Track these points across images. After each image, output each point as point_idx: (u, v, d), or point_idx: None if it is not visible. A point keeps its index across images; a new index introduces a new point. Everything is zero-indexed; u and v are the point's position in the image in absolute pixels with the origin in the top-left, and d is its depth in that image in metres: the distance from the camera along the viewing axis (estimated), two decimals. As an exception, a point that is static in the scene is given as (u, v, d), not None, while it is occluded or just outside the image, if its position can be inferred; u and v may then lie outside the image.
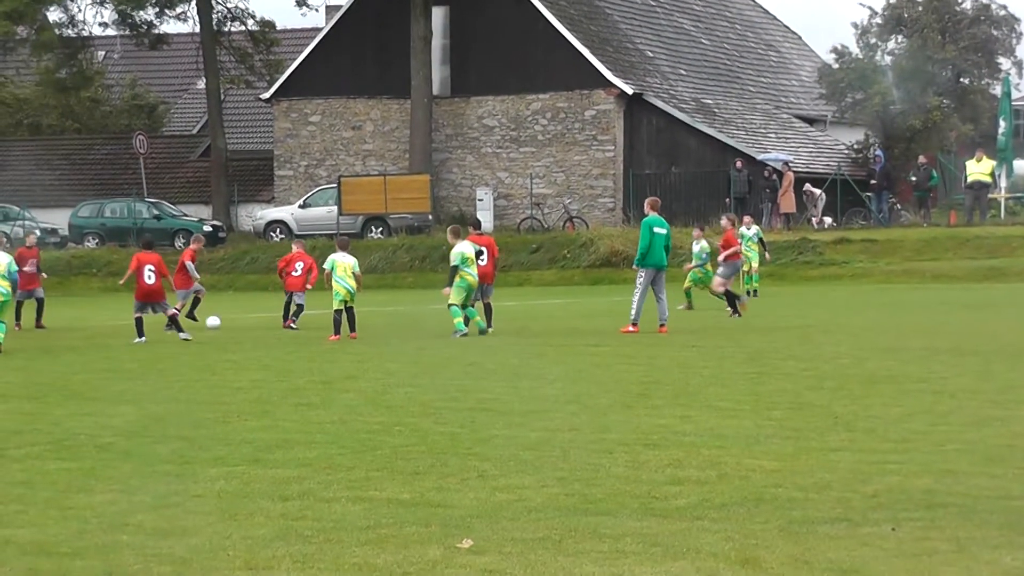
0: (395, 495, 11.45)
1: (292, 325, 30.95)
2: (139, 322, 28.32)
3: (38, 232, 35.54)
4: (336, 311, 28.18)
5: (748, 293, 37.46)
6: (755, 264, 39.30)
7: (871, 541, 9.64)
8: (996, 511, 10.44)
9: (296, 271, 31.65)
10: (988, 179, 53.20)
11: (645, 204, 29.29)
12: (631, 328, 27.49)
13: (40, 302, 33.95)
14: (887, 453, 12.89)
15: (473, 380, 19.79)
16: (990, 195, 54.46)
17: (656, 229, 27.93)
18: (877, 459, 12.58)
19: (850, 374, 19.49)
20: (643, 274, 27.90)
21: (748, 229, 39.27)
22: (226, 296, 49.60)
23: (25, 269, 31.76)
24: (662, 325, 27.56)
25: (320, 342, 27.36)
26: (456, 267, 27.52)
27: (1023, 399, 16.43)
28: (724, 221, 34.68)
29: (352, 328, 28.34)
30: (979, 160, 52.33)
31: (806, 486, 11.46)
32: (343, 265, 28.44)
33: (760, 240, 39.87)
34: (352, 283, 28.31)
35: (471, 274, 27.57)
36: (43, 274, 34.56)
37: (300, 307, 31.48)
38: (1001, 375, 19.02)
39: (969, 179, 53.54)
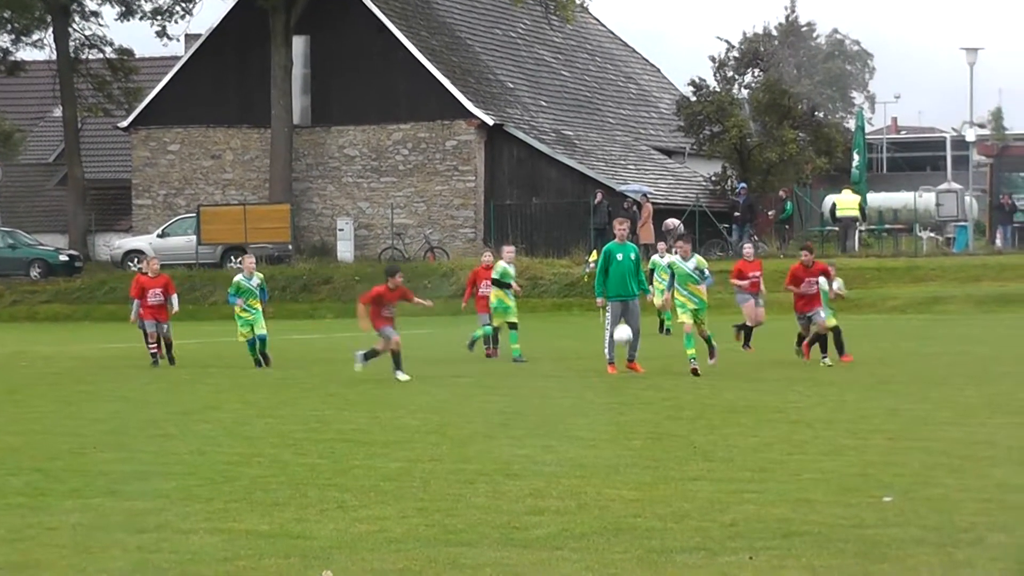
0: (254, 526, 11.37)
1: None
2: None
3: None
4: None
5: (660, 330, 35.02)
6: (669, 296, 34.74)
7: (729, 570, 9.73)
8: (851, 539, 10.58)
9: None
10: (856, 213, 54.71)
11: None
12: (609, 369, 24.70)
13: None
14: (744, 483, 13.01)
15: (334, 410, 19.71)
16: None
17: (616, 255, 24.88)
18: (735, 488, 12.70)
19: (709, 404, 19.66)
20: (609, 307, 24.85)
21: (662, 258, 32.73)
22: (83, 326, 48.95)
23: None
24: (630, 360, 24.70)
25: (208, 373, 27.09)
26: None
27: (877, 429, 16.68)
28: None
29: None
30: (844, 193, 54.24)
31: (665, 515, 11.54)
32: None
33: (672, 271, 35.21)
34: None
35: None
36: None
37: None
38: (855, 405, 19.30)
39: (839, 213, 54.98)
